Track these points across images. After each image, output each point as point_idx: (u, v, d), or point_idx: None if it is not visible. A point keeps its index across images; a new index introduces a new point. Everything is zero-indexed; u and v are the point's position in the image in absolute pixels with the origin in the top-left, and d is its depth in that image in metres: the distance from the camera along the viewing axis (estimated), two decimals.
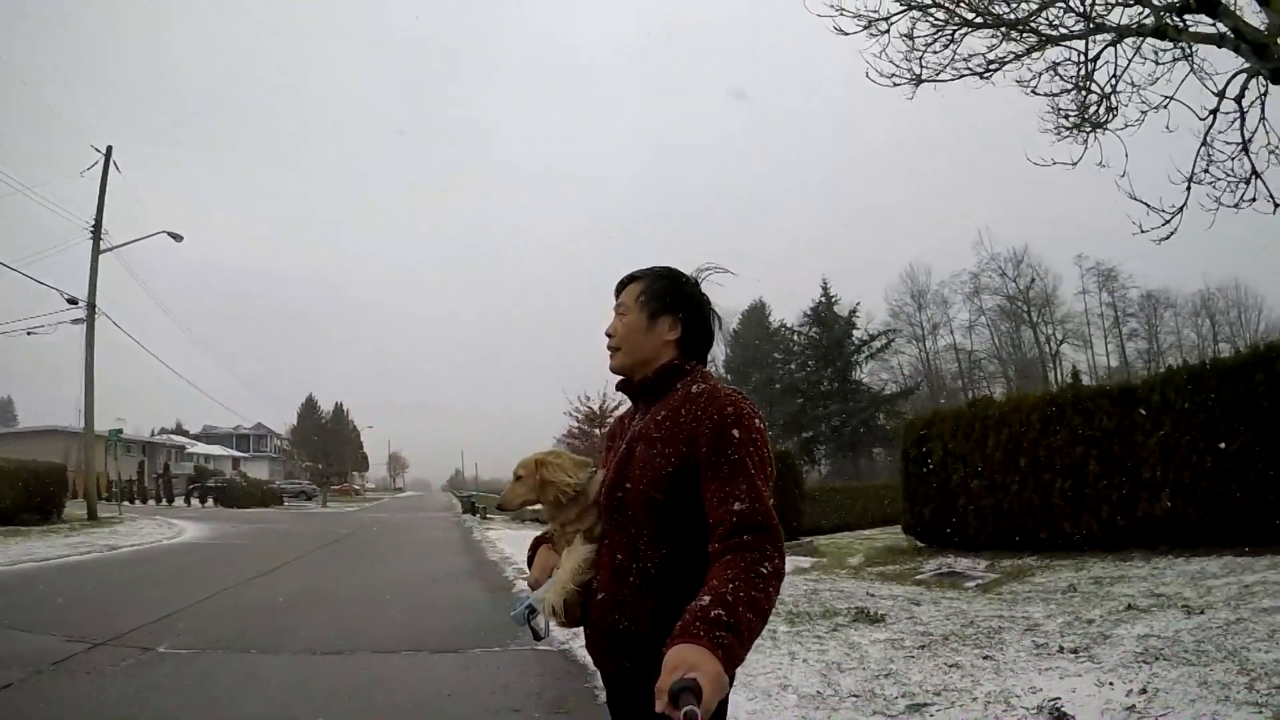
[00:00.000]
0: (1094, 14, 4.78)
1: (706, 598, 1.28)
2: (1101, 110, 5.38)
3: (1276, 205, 4.86)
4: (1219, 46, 4.03)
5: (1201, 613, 5.38)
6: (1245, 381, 7.61)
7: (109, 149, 22.80)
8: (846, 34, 5.34)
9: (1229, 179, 5.03)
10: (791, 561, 13.34)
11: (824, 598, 8.24)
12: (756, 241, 68.73)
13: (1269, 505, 7.44)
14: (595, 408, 34.37)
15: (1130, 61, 5.07)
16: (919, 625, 6.44)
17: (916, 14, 5.07)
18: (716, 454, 1.45)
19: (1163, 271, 57.72)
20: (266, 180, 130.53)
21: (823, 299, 43.74)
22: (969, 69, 5.40)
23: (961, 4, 5.19)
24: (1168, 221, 5.08)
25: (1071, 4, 4.81)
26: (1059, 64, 5.43)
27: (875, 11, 5.21)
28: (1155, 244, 5.29)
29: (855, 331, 43.51)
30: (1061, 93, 5.51)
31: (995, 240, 51.27)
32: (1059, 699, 3.88)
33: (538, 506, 1.82)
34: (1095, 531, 9.33)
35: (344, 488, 59.18)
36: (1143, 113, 5.24)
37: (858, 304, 43.82)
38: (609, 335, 1.69)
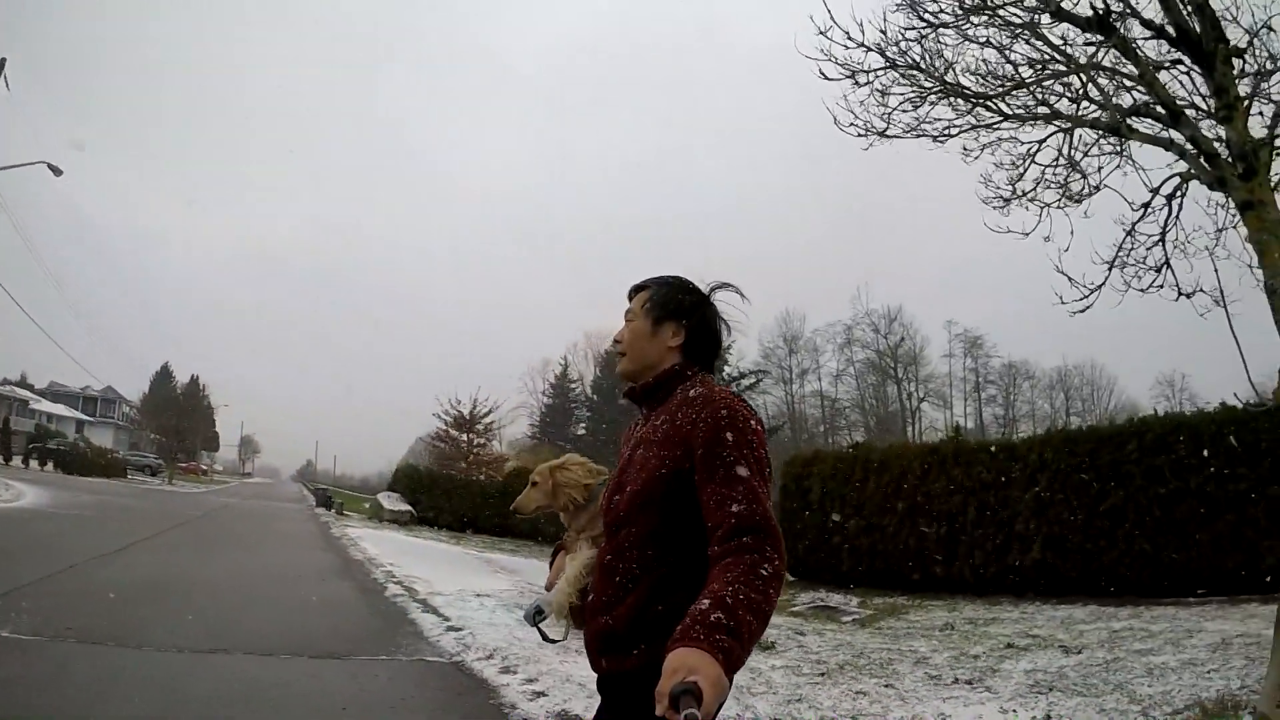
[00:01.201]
0: (1052, 104, 5.07)
1: (706, 601, 1.26)
2: (1038, 189, 5.68)
3: (1180, 294, 5.21)
4: (1166, 149, 4.37)
5: (1079, 652, 5.78)
6: (1119, 449, 8.31)
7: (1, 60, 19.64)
8: (829, 79, 5.45)
9: (1140, 266, 5.41)
10: None
11: None
12: (638, 271, 69.85)
13: (1135, 560, 8.10)
14: (465, 412, 33.63)
15: (1070, 149, 5.39)
16: (810, 654, 6.61)
17: (897, 74, 5.25)
18: (711, 457, 1.44)
19: (1025, 345, 63.54)
20: (162, 145, 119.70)
21: None
22: (923, 132, 5.61)
23: (933, 74, 5.39)
24: (1085, 298, 5.39)
25: (1038, 93, 5.05)
26: (1004, 140, 5.68)
27: (860, 64, 5.34)
28: (1069, 316, 5.62)
29: (727, 369, 44.69)
30: (1007, 167, 5.77)
31: (872, 296, 54.28)
32: None
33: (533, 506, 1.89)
34: (967, 576, 9.91)
35: (191, 467, 54.58)
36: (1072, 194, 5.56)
37: (733, 340, 44.85)
38: (616, 341, 1.72)
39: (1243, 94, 3.85)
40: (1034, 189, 5.71)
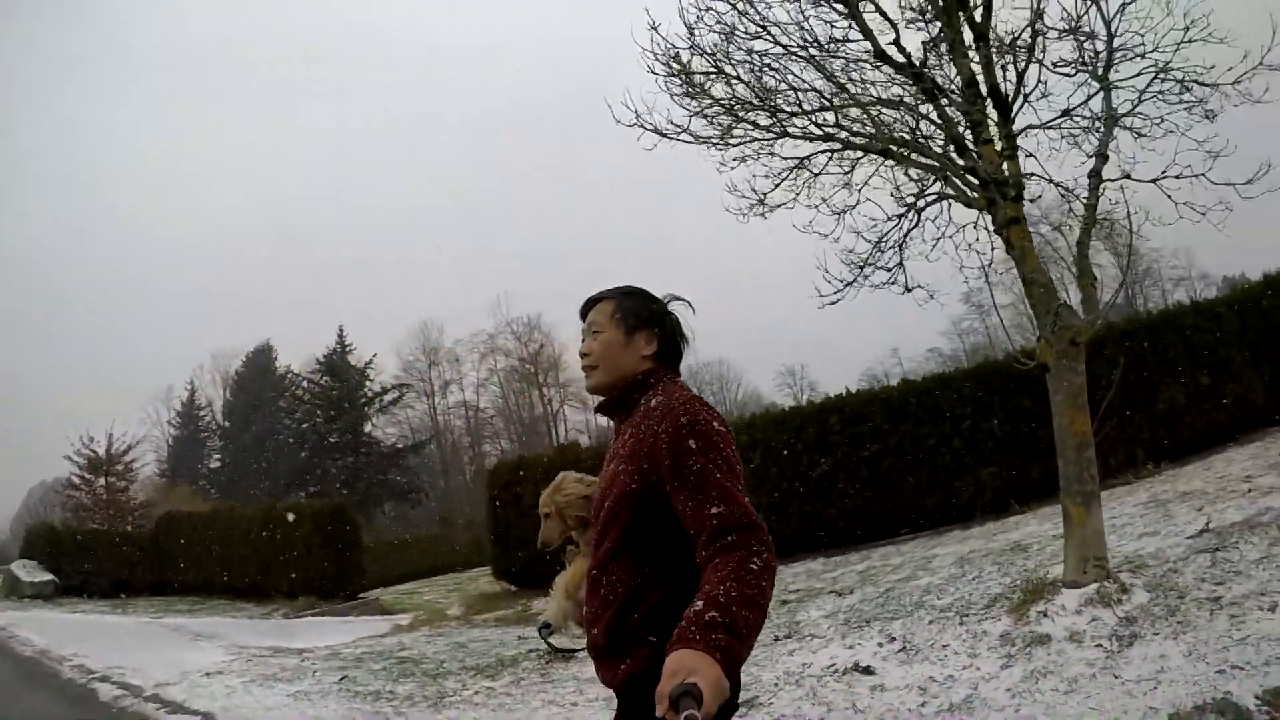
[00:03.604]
0: (824, 126, 5.84)
1: (700, 602, 1.30)
2: (794, 198, 6.36)
3: (907, 289, 6.31)
4: (934, 175, 5.49)
5: (852, 593, 6.71)
6: (823, 422, 10.05)
7: None
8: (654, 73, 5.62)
9: (872, 266, 6.41)
10: (387, 621, 12.24)
11: (476, 649, 7.86)
12: (270, 281, 61.05)
13: (851, 515, 9.77)
14: (100, 451, 25.77)
15: (829, 163, 6.19)
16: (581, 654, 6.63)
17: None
18: (679, 466, 1.48)
19: None
20: None
21: (337, 347, 41.41)
22: (697, 136, 5.97)
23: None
24: (838, 292, 6.19)
25: (822, 118, 5.74)
26: (762, 155, 6.28)
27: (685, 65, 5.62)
28: (819, 309, 6.39)
29: (369, 384, 42.15)
30: (766, 178, 6.32)
31: (513, 305, 55.62)
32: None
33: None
34: None
35: None
36: (824, 199, 6.31)
37: (374, 355, 42.65)
38: (584, 355, 1.72)
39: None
40: (793, 200, 6.54)
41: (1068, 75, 5.62)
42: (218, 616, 12.71)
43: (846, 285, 6.33)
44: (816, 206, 6.32)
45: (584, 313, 1.77)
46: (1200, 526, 5.06)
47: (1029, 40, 4.93)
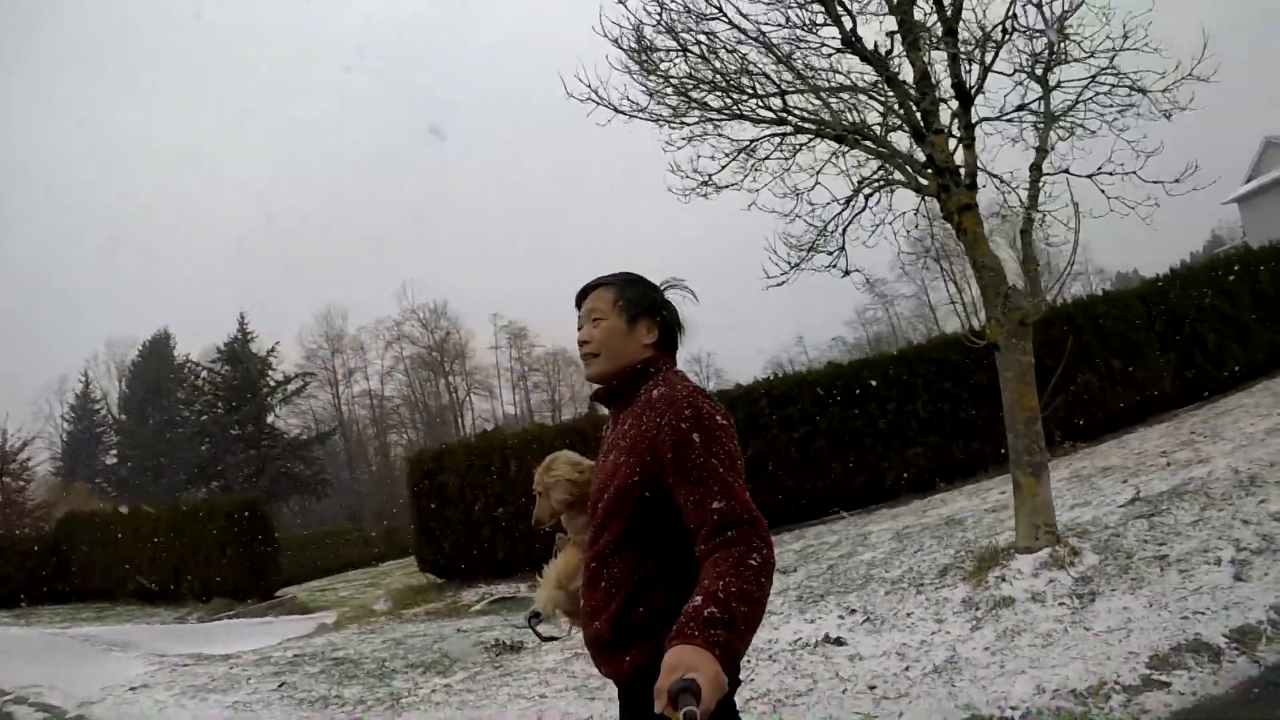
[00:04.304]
0: (777, 111, 5.92)
1: (699, 598, 1.31)
2: (742, 180, 6.42)
3: (846, 273, 6.49)
4: (883, 161, 5.65)
5: (796, 570, 6.88)
6: (753, 404, 10.22)
7: None
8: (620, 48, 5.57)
9: (822, 250, 6.53)
10: (310, 620, 11.67)
11: (416, 646, 7.60)
12: (168, 263, 57.10)
13: (783, 495, 9.97)
14: None
15: (780, 145, 6.27)
16: (565, 646, 6.45)
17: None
18: (681, 460, 1.47)
19: (567, 334, 69.77)
20: None
21: (238, 335, 39.20)
22: (655, 115, 5.97)
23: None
24: (785, 273, 6.31)
25: (771, 102, 5.80)
26: (709, 136, 6.30)
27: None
28: (764, 289, 6.39)
29: (271, 373, 40.14)
30: (712, 159, 6.29)
31: (419, 292, 54.32)
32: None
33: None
34: None
35: None
36: (782, 180, 6.39)
37: (276, 343, 40.63)
38: (584, 343, 1.69)
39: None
40: (741, 181, 6.58)
41: (1006, 75, 5.91)
42: (128, 623, 11.87)
43: (793, 267, 6.43)
44: (768, 188, 6.37)
45: (580, 299, 1.73)
46: (1130, 496, 5.44)
47: (1000, 38, 5.11)
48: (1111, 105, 5.75)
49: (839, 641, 4.38)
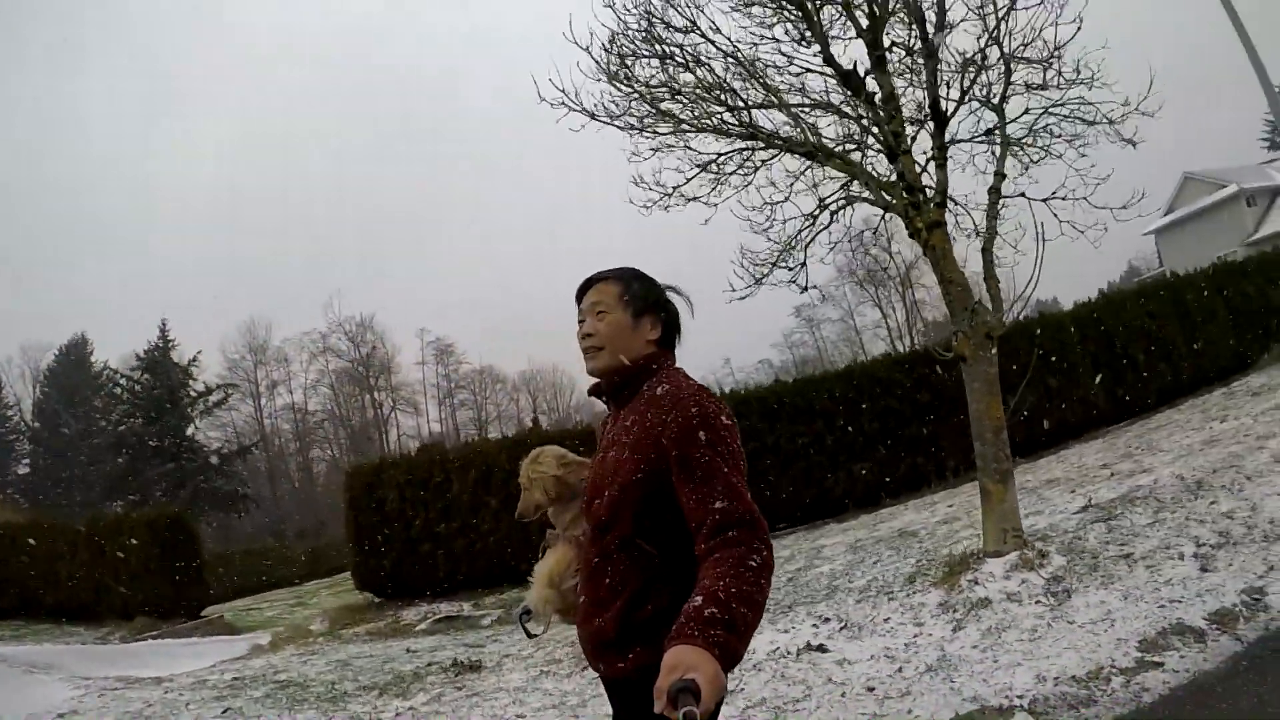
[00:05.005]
0: (751, 124, 6.04)
1: (699, 598, 1.30)
2: (709, 193, 6.50)
3: (804, 289, 6.64)
4: (856, 179, 5.81)
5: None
6: None
7: None
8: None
9: (783, 266, 6.66)
10: (242, 641, 11.05)
11: (365, 667, 7.28)
12: (87, 269, 54.03)
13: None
14: None
15: (751, 158, 6.38)
16: (528, 664, 6.25)
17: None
18: (686, 458, 1.47)
19: (494, 352, 69.62)
20: None
21: (159, 342, 37.30)
22: (627, 122, 6.03)
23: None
24: (749, 287, 6.42)
25: (741, 115, 5.90)
26: (673, 147, 6.34)
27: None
28: (726, 303, 6.44)
29: (192, 383, 38.29)
30: (678, 170, 6.34)
31: (346, 305, 52.98)
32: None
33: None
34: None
35: None
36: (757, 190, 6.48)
37: (199, 352, 38.85)
38: (587, 336, 1.68)
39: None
40: (709, 193, 6.63)
41: (964, 103, 6.18)
42: (47, 643, 10.97)
43: (757, 282, 6.52)
44: (729, 203, 6.43)
45: (581, 293, 1.72)
46: (1082, 504, 5.69)
47: (989, 62, 5.34)
48: (1061, 135, 6.09)
49: (821, 648, 4.41)
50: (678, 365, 1.71)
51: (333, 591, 18.31)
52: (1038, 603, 4.07)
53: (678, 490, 1.47)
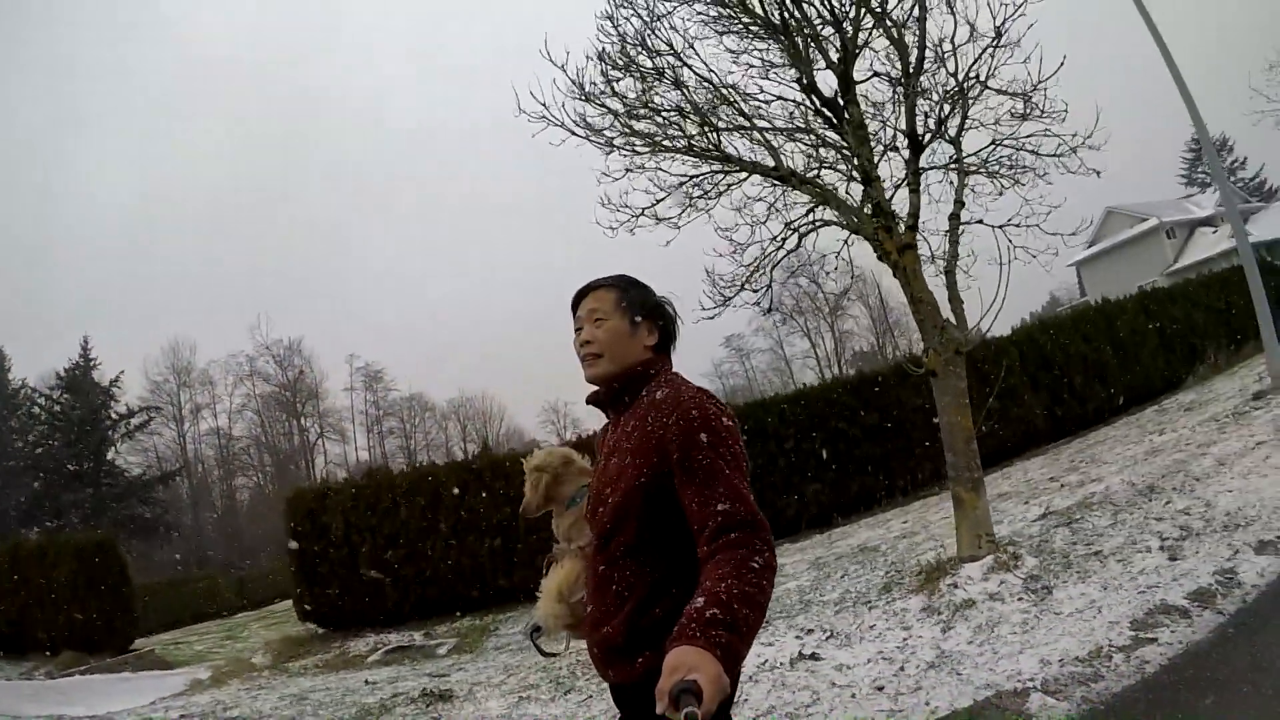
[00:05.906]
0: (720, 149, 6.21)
1: (701, 599, 1.30)
2: (680, 215, 6.63)
3: (768, 310, 6.87)
4: (821, 200, 6.04)
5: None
6: None
7: None
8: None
9: (750, 288, 6.85)
10: (179, 676, 10.43)
11: (323, 701, 6.98)
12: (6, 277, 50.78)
13: None
14: None
15: (721, 180, 6.53)
16: (503, 690, 6.12)
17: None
18: (688, 461, 1.47)
19: (425, 377, 67.70)
20: None
21: (80, 361, 35.29)
22: (607, 140, 6.16)
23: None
24: (718, 307, 6.56)
25: (712, 137, 6.08)
26: (645, 169, 6.35)
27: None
28: (694, 322, 6.44)
29: (114, 404, 36.32)
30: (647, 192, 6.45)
31: (274, 327, 51.30)
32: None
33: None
34: (532, 585, 10.50)
35: None
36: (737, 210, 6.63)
37: (121, 373, 36.87)
38: (586, 344, 1.68)
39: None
40: (678, 215, 6.77)
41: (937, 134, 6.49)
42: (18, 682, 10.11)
43: (726, 301, 6.68)
44: (692, 224, 6.57)
45: (577, 301, 1.73)
46: (1040, 512, 6.01)
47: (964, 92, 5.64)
48: (1014, 166, 6.49)
49: (814, 657, 4.48)
50: (677, 371, 1.71)
51: (265, 624, 17.49)
52: (1020, 600, 4.29)
53: (680, 493, 1.46)
